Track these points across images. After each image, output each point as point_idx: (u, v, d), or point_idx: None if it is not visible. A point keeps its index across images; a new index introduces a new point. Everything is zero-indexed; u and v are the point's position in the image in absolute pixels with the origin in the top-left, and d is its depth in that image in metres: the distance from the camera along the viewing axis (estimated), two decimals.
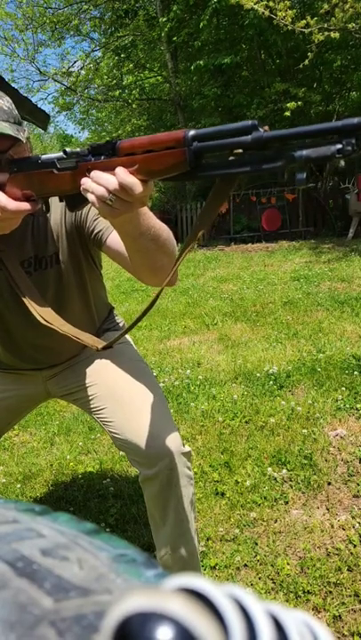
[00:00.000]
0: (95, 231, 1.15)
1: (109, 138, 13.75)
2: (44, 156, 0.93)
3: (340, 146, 0.66)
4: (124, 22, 11.41)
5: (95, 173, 0.82)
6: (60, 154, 0.90)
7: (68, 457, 2.26)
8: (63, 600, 0.21)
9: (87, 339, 1.12)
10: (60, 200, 0.98)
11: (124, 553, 0.27)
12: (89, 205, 1.06)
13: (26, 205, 0.94)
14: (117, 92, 11.66)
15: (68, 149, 0.89)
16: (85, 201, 0.89)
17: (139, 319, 1.02)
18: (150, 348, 3.65)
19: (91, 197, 0.83)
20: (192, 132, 0.76)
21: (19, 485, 2.08)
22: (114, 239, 1.12)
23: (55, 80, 12.78)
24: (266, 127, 0.72)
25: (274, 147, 0.71)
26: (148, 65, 12.37)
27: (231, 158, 0.75)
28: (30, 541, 0.25)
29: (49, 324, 1.09)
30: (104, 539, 0.29)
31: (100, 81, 12.26)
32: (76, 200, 0.94)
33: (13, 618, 0.20)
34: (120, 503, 1.88)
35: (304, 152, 0.68)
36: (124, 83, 12.17)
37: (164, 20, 9.40)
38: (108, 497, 1.93)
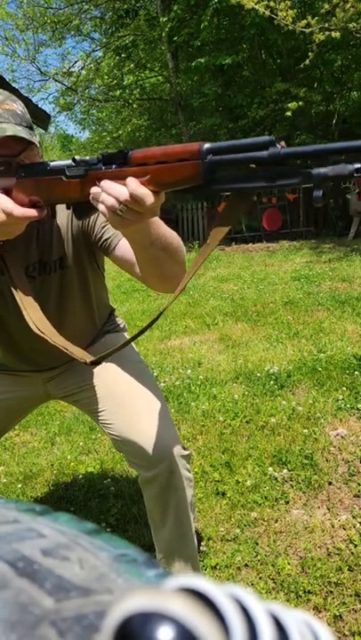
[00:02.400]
0: (103, 238, 1.13)
1: (110, 137, 13.78)
2: (52, 163, 0.92)
3: (358, 165, 0.65)
4: (125, 22, 11.41)
5: (106, 183, 0.80)
6: (70, 161, 0.89)
7: (69, 457, 2.26)
8: (64, 600, 0.21)
9: (76, 352, 1.10)
10: (68, 207, 0.97)
11: (125, 553, 0.27)
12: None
13: (32, 212, 0.92)
14: (118, 92, 11.67)
15: (77, 157, 0.88)
16: (93, 210, 0.87)
17: (135, 337, 1.01)
18: (151, 348, 3.65)
19: (101, 207, 0.81)
20: (207, 145, 0.75)
21: (19, 485, 2.08)
22: (122, 247, 1.10)
23: (56, 80, 12.80)
24: (282, 143, 0.71)
25: (290, 163, 0.70)
26: (148, 65, 12.37)
27: (246, 173, 0.74)
28: (31, 541, 0.25)
29: (41, 334, 1.07)
30: (105, 539, 0.29)
31: (100, 81, 12.27)
32: (83, 208, 0.93)
33: (14, 618, 0.20)
34: (121, 503, 1.88)
35: (322, 170, 0.68)
36: (124, 83, 12.18)
37: (165, 19, 9.41)
38: (109, 497, 1.93)
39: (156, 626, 0.17)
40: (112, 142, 13.69)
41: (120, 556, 0.27)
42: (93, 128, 16.52)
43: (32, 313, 1.09)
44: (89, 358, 1.08)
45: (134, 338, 1.02)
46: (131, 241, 0.94)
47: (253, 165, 0.73)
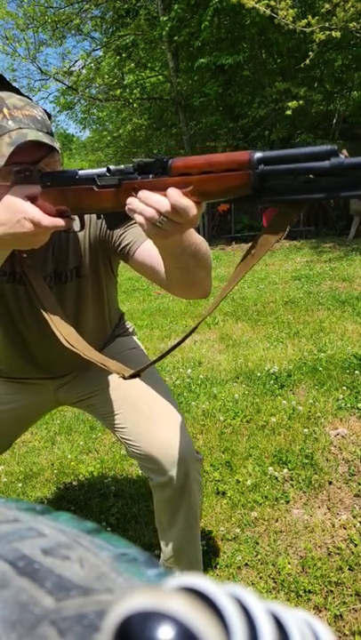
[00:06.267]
0: (122, 245, 1.10)
1: (110, 137, 13.73)
2: (82, 172, 0.89)
3: None
4: (126, 21, 11.41)
5: (144, 194, 0.77)
6: (103, 170, 0.86)
7: (70, 456, 2.26)
8: (64, 599, 0.21)
9: (113, 366, 1.06)
10: (98, 217, 0.93)
11: (126, 552, 0.27)
12: None
13: (60, 222, 0.89)
14: (118, 92, 11.66)
15: (112, 166, 0.84)
16: (127, 220, 0.84)
17: (171, 350, 0.99)
18: (151, 348, 3.65)
19: (139, 219, 0.78)
20: (258, 154, 0.70)
21: (20, 484, 2.08)
22: (143, 252, 1.07)
23: (56, 79, 12.77)
24: (345, 152, 0.67)
25: (352, 173, 0.65)
26: (149, 64, 12.37)
27: (303, 183, 0.69)
28: (31, 540, 0.25)
29: (73, 348, 1.04)
30: (105, 538, 0.29)
31: (101, 80, 12.25)
32: (116, 219, 0.90)
33: (14, 617, 0.20)
34: (121, 502, 1.88)
35: None
36: (125, 82, 12.17)
37: (165, 19, 9.39)
38: (109, 496, 1.93)
39: (156, 625, 0.17)
40: (112, 142, 13.70)
41: (120, 556, 0.27)
42: (94, 127, 16.51)
43: (60, 327, 1.06)
44: (127, 372, 1.05)
45: (172, 350, 1.00)
46: (162, 250, 0.91)
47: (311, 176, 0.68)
